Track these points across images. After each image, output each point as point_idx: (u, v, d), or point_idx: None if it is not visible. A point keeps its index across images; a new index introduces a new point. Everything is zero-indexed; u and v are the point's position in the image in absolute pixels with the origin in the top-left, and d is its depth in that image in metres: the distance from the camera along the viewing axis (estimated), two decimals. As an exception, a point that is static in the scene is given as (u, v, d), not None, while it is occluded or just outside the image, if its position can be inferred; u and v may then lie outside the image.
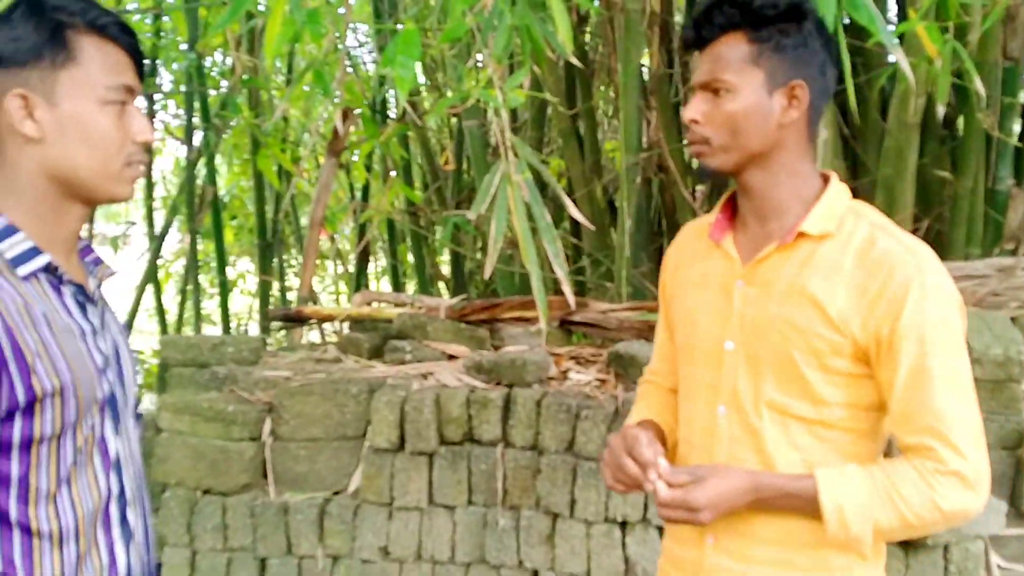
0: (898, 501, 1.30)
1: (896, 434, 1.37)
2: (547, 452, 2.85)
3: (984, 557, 2.61)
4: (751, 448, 1.41)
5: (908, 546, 2.63)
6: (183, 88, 5.66)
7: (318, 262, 6.44)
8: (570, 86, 4.81)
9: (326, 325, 4.86)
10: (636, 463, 1.41)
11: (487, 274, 2.31)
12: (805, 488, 1.34)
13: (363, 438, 3.02)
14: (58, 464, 1.14)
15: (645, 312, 3.44)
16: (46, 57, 1.15)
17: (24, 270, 1.14)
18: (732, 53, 1.37)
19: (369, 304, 4.00)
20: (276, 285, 6.36)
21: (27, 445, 1.10)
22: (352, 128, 4.43)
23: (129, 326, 5.65)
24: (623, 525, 2.79)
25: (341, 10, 2.71)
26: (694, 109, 1.41)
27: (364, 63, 6.21)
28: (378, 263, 7.91)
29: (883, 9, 3.99)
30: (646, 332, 3.31)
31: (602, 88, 5.37)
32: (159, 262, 6.35)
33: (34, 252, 1.15)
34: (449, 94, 4.86)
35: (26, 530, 1.12)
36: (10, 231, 1.15)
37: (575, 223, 4.99)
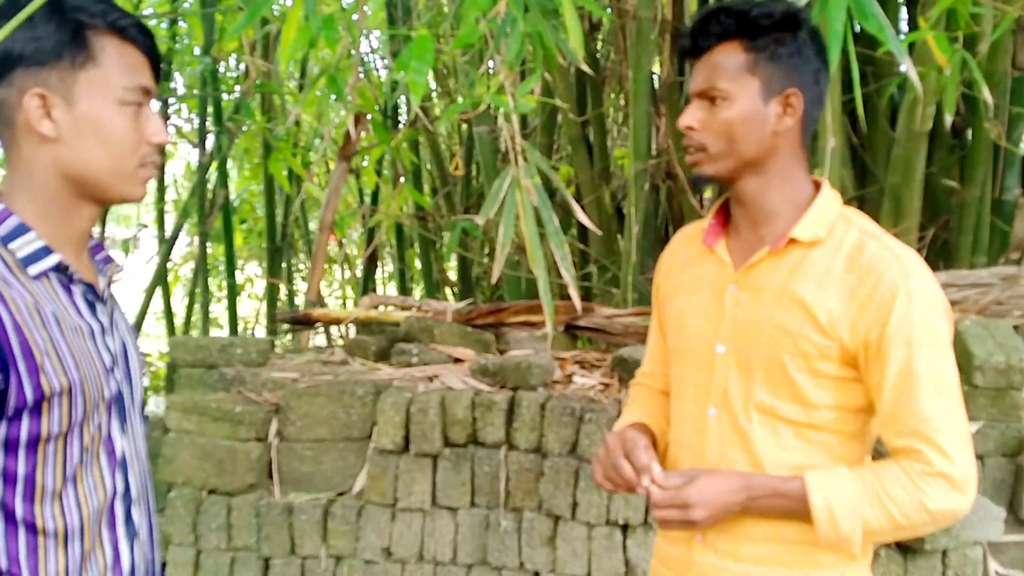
0: (886, 501, 1.32)
1: (884, 436, 1.39)
2: (550, 455, 2.86)
3: (983, 563, 2.61)
4: (741, 449, 1.43)
5: (907, 552, 2.63)
6: (196, 92, 5.70)
7: (325, 266, 6.46)
8: (580, 93, 4.84)
9: (332, 330, 4.89)
10: (632, 466, 1.43)
11: (495, 278, 2.32)
12: (795, 488, 1.36)
13: (368, 439, 3.03)
14: (64, 462, 1.13)
15: (649, 317, 3.44)
16: (66, 57, 1.15)
17: (35, 269, 1.15)
18: (728, 62, 1.39)
19: (376, 308, 4.02)
20: (283, 289, 6.39)
21: (34, 443, 1.10)
22: (363, 133, 4.46)
23: (137, 329, 5.68)
24: (624, 528, 2.80)
25: (355, 16, 2.73)
26: (691, 116, 1.43)
27: (376, 68, 6.25)
28: (385, 268, 7.94)
29: (894, 19, 4.00)
30: (651, 337, 3.31)
31: (612, 95, 5.39)
32: (168, 265, 6.39)
33: (45, 251, 1.16)
34: (460, 100, 4.89)
35: (31, 528, 1.12)
36: (22, 230, 1.15)
37: (582, 229, 5.01)
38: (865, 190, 3.91)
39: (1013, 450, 2.75)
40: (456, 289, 6.24)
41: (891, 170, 3.69)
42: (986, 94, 2.67)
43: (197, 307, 6.26)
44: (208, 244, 5.99)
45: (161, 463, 3.05)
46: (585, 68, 2.61)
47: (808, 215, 1.41)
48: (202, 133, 5.62)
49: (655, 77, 4.65)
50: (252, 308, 7.99)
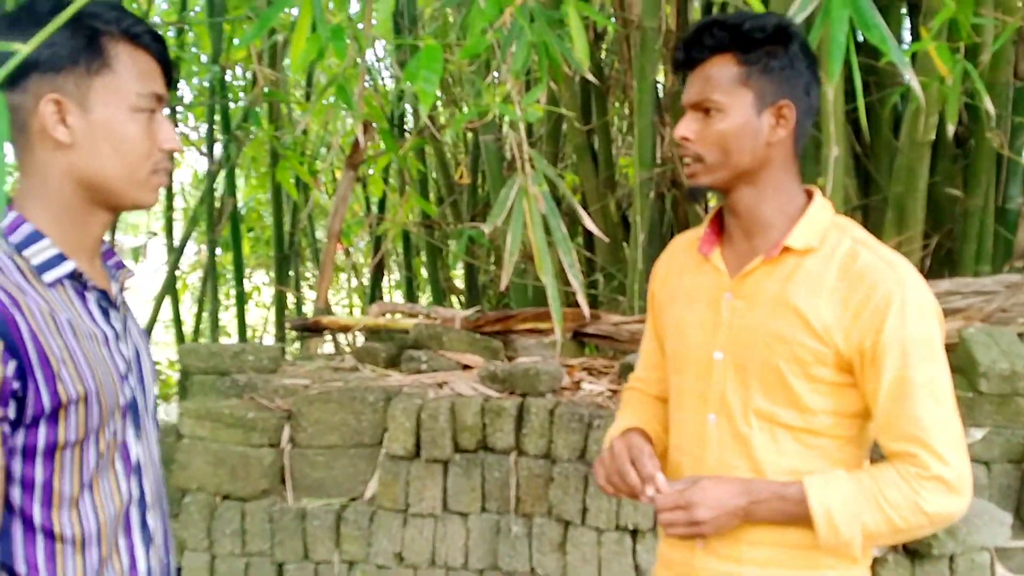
0: (884, 504, 1.35)
1: (881, 441, 1.42)
2: (559, 460, 2.90)
3: (990, 568, 2.64)
4: (741, 455, 1.45)
5: (914, 557, 2.65)
6: (202, 100, 5.74)
7: (333, 275, 6.50)
8: (586, 102, 4.88)
9: (340, 337, 4.92)
10: (637, 474, 1.47)
11: (503, 285, 2.35)
12: (794, 493, 1.39)
13: (379, 445, 3.07)
14: (81, 469, 1.13)
15: (656, 325, 3.47)
16: (82, 63, 1.15)
17: (49, 276, 1.14)
18: (722, 74, 1.42)
19: (385, 315, 4.05)
20: (291, 298, 6.43)
21: (51, 451, 1.10)
22: (370, 142, 4.50)
23: (147, 337, 5.70)
24: (634, 533, 2.83)
25: (361, 25, 2.77)
26: (685, 127, 1.46)
27: (383, 78, 6.30)
28: (392, 276, 7.97)
29: (896, 29, 4.04)
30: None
31: (617, 104, 5.43)
32: (177, 273, 6.42)
33: (59, 259, 1.15)
34: (466, 109, 4.92)
35: (49, 534, 1.12)
36: (36, 237, 1.15)
37: (588, 238, 5.05)
38: (869, 199, 3.95)
39: (1019, 456, 2.78)
40: (462, 297, 6.28)
41: (895, 179, 3.72)
42: (988, 104, 2.71)
43: (206, 315, 6.29)
44: (216, 252, 6.03)
45: (175, 469, 3.08)
46: (590, 77, 2.65)
47: (801, 224, 1.44)
48: (210, 141, 5.66)
49: (660, 86, 4.69)
50: (260, 316, 8.01)
